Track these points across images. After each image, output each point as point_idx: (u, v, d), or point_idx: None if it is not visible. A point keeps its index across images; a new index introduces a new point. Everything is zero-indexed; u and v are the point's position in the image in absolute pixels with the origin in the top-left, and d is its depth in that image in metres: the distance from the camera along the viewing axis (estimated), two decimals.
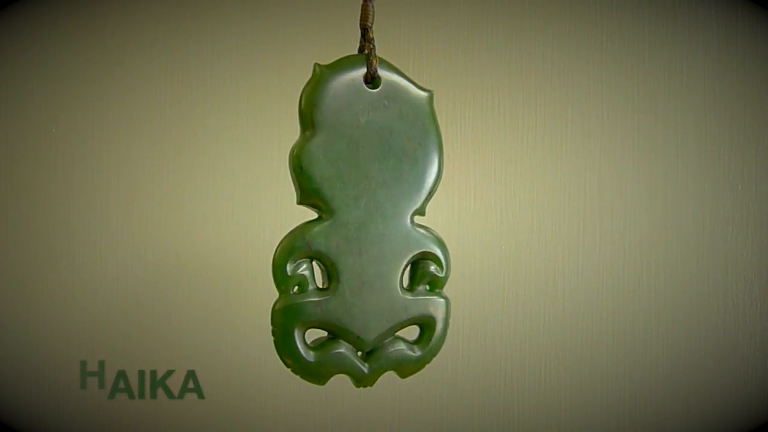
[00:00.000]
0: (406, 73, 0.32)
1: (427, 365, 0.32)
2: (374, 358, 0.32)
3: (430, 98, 0.32)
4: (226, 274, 0.56)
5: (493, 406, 0.54)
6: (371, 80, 0.31)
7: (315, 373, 0.31)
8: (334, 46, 0.55)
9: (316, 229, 0.30)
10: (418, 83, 0.32)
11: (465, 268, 0.53)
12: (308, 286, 0.30)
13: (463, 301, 0.53)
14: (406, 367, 0.32)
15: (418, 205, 0.31)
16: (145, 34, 0.57)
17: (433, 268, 0.32)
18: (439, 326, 0.32)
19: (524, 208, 0.54)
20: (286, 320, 0.30)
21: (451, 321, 0.33)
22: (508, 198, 0.54)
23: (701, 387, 0.53)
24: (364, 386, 0.32)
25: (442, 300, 0.32)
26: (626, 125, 0.54)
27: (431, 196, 0.32)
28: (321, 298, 0.30)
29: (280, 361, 0.31)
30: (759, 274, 0.53)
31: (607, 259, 0.53)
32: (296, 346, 0.30)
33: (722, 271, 0.53)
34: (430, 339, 0.32)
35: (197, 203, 0.56)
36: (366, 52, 0.31)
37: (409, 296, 0.31)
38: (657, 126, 0.53)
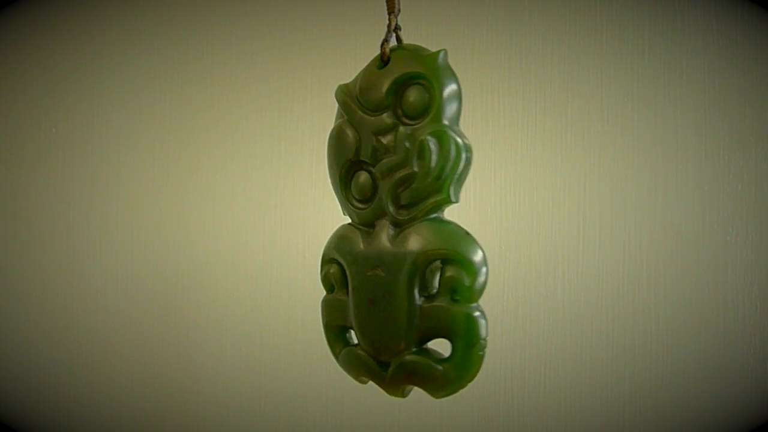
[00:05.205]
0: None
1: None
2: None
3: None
4: (226, 275, 0.56)
5: (494, 407, 0.54)
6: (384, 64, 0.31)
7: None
8: (338, 43, 0.55)
9: None
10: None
11: None
12: None
13: None
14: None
15: None
16: (147, 34, 0.57)
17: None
18: None
19: (524, 208, 0.54)
20: None
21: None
22: (508, 198, 0.54)
23: (701, 387, 0.53)
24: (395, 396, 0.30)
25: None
26: (626, 124, 0.53)
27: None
28: None
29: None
30: (759, 274, 0.53)
31: (606, 259, 0.53)
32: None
33: (722, 271, 0.53)
34: None
35: (197, 203, 0.56)
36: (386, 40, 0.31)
37: None
38: (657, 126, 0.53)
